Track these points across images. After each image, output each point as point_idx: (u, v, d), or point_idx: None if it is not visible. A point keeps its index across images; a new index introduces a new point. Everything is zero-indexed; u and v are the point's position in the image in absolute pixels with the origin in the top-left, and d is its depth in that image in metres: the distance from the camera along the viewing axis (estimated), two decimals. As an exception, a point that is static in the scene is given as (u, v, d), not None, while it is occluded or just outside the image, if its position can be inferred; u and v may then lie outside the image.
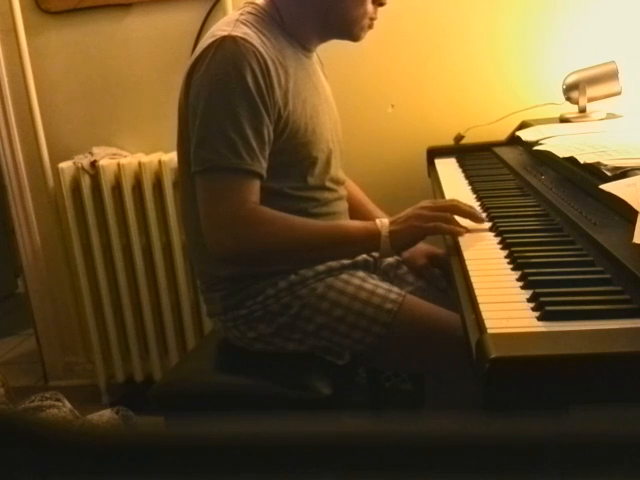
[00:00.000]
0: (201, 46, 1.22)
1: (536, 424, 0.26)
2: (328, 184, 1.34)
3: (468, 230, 1.14)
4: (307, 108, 1.27)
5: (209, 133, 1.16)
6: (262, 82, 1.17)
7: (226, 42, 1.16)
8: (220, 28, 1.22)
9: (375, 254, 1.41)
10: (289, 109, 1.22)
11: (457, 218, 1.17)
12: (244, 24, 1.21)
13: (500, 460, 0.25)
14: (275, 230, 1.20)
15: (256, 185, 1.19)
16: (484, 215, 1.22)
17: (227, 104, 1.16)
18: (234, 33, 1.17)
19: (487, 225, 1.16)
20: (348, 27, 1.29)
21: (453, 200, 1.23)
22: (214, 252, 1.20)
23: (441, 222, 1.16)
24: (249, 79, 1.16)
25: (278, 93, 1.20)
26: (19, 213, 2.27)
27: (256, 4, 1.28)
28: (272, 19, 1.27)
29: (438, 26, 1.95)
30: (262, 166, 1.19)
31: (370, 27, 1.31)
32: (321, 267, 1.30)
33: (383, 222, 1.21)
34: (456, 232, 1.14)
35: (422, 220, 1.19)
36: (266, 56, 1.19)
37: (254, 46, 1.17)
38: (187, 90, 1.21)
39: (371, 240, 1.20)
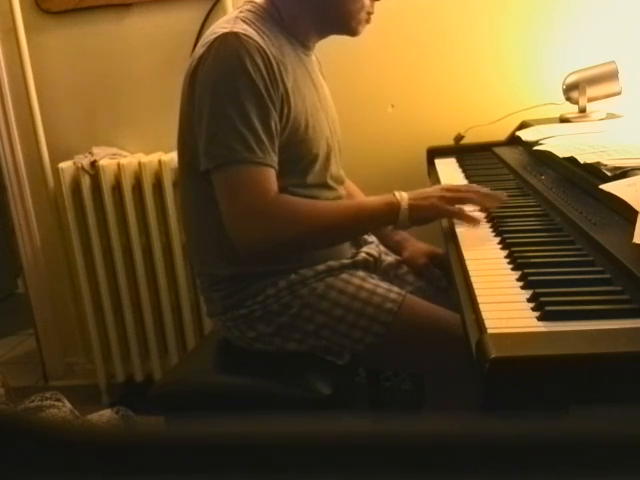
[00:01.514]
0: (202, 44, 1.22)
1: (536, 424, 0.26)
2: (329, 182, 1.34)
3: (481, 221, 1.20)
4: (307, 105, 1.28)
5: (219, 129, 1.16)
6: (266, 76, 1.18)
7: (228, 38, 1.17)
8: (220, 26, 1.22)
9: (375, 253, 1.41)
10: (291, 105, 1.23)
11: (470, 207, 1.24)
12: (244, 21, 1.22)
13: (500, 460, 0.25)
14: (303, 215, 1.21)
15: (272, 175, 1.19)
16: (485, 214, 1.23)
17: (234, 99, 1.16)
18: (235, 29, 1.18)
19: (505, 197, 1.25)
20: (346, 21, 1.29)
21: (472, 186, 1.29)
22: (244, 248, 1.19)
23: (463, 209, 1.22)
24: (254, 73, 1.16)
25: (281, 88, 1.21)
26: (19, 213, 2.27)
27: (255, 3, 1.29)
28: (271, 17, 1.27)
29: (438, 26, 1.95)
30: (274, 159, 1.19)
31: (367, 21, 1.32)
32: (321, 267, 1.30)
33: (402, 195, 1.23)
34: (474, 222, 1.19)
35: (445, 202, 1.23)
36: (268, 51, 1.19)
37: (256, 41, 1.18)
38: (191, 89, 1.21)
39: (390, 212, 1.22)
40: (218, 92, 1.17)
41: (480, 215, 1.22)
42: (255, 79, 1.16)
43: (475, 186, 1.30)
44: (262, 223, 1.17)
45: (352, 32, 1.32)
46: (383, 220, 1.27)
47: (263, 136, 1.17)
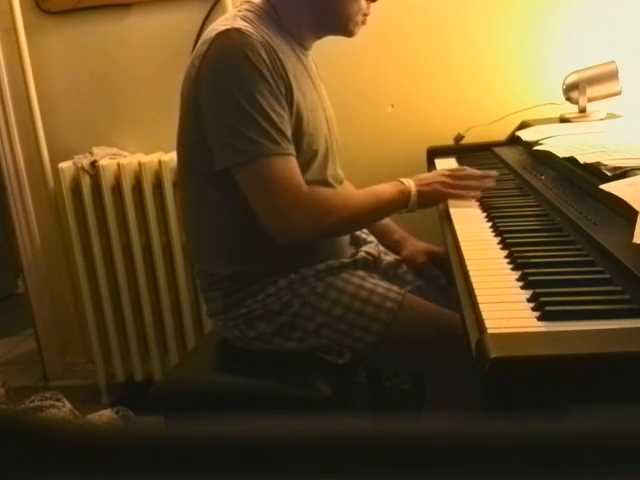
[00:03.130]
0: (202, 42, 1.22)
1: (536, 424, 0.26)
2: (330, 180, 1.35)
3: (480, 195, 1.34)
4: (307, 101, 1.28)
5: (239, 124, 1.17)
6: (272, 69, 1.19)
7: (231, 33, 1.18)
8: (220, 23, 1.23)
9: (374, 253, 1.42)
10: (294, 98, 1.24)
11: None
12: (243, 19, 1.23)
13: (500, 460, 0.25)
14: (335, 205, 1.26)
15: (297, 165, 1.22)
16: (485, 214, 1.23)
17: (247, 92, 1.16)
18: (236, 25, 1.19)
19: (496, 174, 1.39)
20: (343, 23, 1.31)
21: (464, 169, 1.40)
22: (285, 238, 1.23)
23: (462, 190, 1.34)
24: (261, 65, 1.17)
25: (285, 80, 1.22)
26: (19, 213, 2.27)
27: (253, 3, 1.29)
28: (269, 17, 1.28)
29: (438, 26, 1.95)
30: (294, 149, 1.22)
31: (363, 23, 1.34)
32: (321, 266, 1.30)
33: (409, 182, 1.32)
34: (475, 197, 1.33)
35: (446, 187, 1.34)
36: (269, 45, 1.20)
37: (257, 36, 1.19)
38: (194, 88, 1.21)
39: (402, 198, 1.31)
40: (228, 87, 1.17)
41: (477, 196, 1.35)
42: (262, 71, 1.17)
43: (468, 169, 1.40)
44: (302, 214, 1.20)
45: (348, 33, 1.33)
46: (397, 206, 1.32)
47: (281, 127, 1.19)
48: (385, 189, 1.31)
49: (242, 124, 1.16)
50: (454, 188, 1.33)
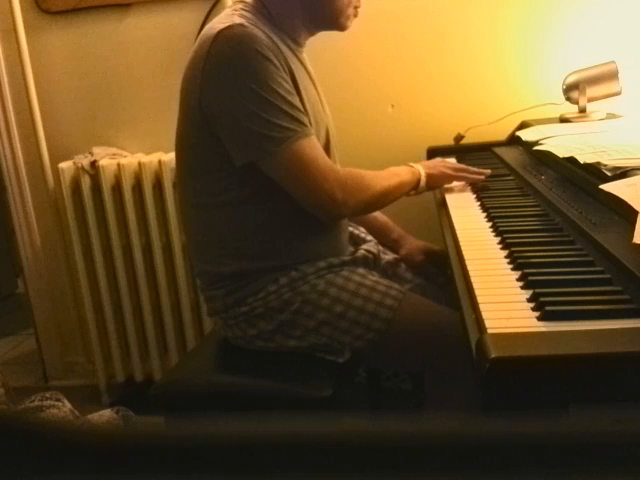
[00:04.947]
0: (202, 41, 1.22)
1: (536, 424, 0.26)
2: None
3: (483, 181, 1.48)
4: (308, 95, 1.29)
5: (266, 114, 1.18)
6: (278, 61, 1.20)
7: (236, 29, 1.19)
8: (219, 21, 1.23)
9: (374, 251, 1.42)
10: (298, 88, 1.25)
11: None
12: (242, 17, 1.24)
13: (500, 460, 0.25)
14: (368, 182, 1.32)
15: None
16: (485, 214, 1.23)
17: (265, 83, 1.18)
18: (237, 22, 1.20)
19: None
20: (334, 18, 1.32)
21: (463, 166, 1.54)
22: (329, 217, 1.29)
23: (463, 173, 1.49)
24: (271, 56, 1.19)
25: (289, 73, 1.24)
26: (19, 213, 2.27)
27: (245, 2, 1.30)
28: (262, 15, 1.29)
29: (438, 26, 1.95)
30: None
31: (355, 15, 1.35)
32: (322, 263, 1.31)
33: (416, 165, 1.44)
34: (475, 181, 1.48)
35: (452, 169, 1.48)
36: (270, 40, 1.22)
37: (259, 31, 1.21)
38: (200, 87, 1.21)
39: (414, 179, 1.41)
40: (242, 80, 1.18)
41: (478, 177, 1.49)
42: (272, 60, 1.19)
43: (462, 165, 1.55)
44: (344, 190, 1.25)
45: (341, 27, 1.34)
46: (411, 186, 1.41)
47: (301, 108, 1.22)
48: (400, 170, 1.41)
49: (267, 113, 1.18)
50: (459, 172, 1.48)
